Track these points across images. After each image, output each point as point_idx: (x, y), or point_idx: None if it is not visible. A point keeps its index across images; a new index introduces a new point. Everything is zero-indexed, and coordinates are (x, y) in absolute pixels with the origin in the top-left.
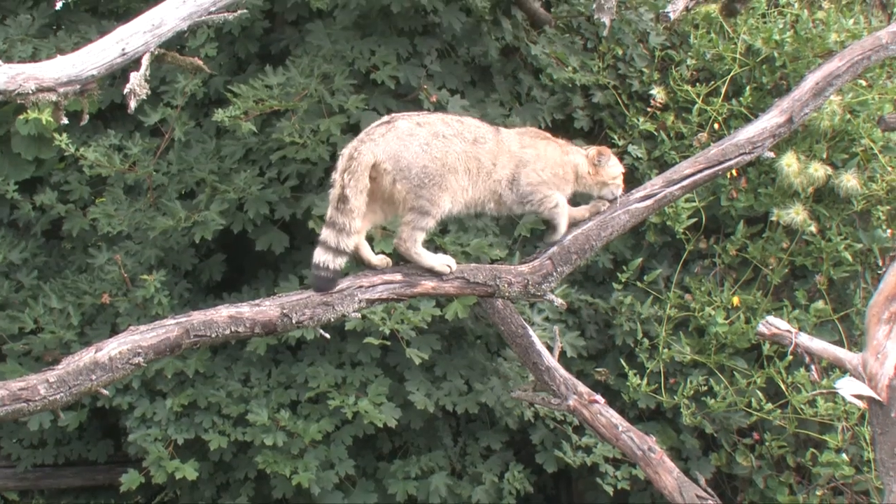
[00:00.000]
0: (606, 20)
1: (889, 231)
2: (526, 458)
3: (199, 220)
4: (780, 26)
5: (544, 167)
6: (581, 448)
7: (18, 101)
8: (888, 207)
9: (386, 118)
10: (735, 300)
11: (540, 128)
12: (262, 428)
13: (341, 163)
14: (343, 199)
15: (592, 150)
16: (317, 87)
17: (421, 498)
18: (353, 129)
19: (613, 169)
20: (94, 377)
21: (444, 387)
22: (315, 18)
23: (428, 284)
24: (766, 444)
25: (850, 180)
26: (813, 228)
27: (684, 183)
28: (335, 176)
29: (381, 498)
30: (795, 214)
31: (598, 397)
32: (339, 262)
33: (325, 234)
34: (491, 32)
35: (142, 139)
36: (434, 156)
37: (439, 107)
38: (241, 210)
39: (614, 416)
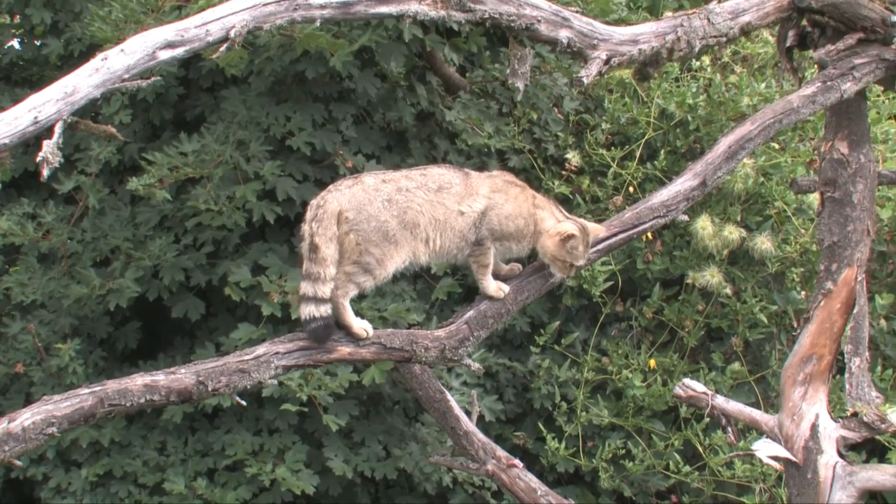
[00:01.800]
0: (521, 85)
1: (803, 293)
2: None
3: (113, 288)
4: (694, 90)
5: (507, 216)
6: None
7: None
8: (802, 269)
9: (353, 175)
10: (652, 363)
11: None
12: (178, 497)
13: (309, 213)
14: (314, 247)
15: (566, 226)
16: (232, 154)
17: None
18: (268, 196)
19: (574, 254)
20: (6, 448)
21: (362, 452)
22: (230, 85)
23: (344, 350)
24: None
25: (764, 243)
26: (728, 291)
27: (600, 247)
28: (304, 227)
29: None
30: (711, 277)
31: (517, 462)
32: (325, 309)
33: (304, 287)
34: (406, 98)
35: (56, 207)
36: (393, 214)
37: (354, 172)
38: (156, 277)
39: (533, 481)
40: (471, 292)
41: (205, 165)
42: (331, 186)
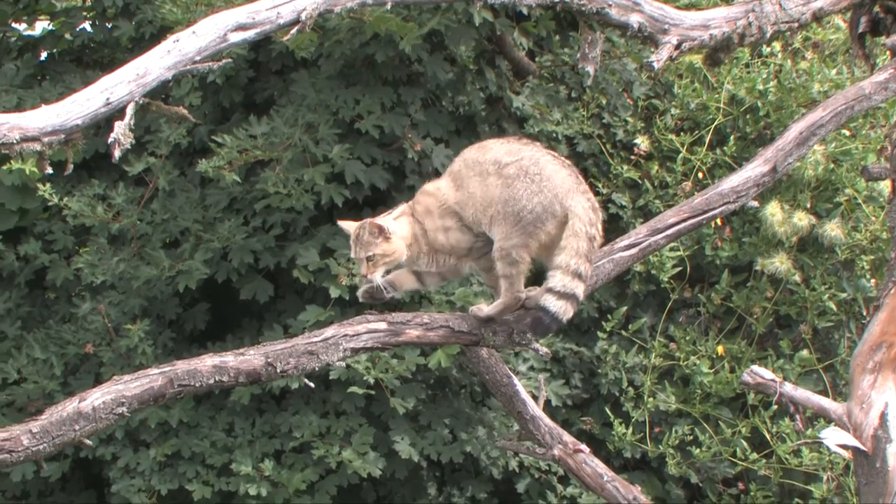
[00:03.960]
0: (590, 70)
1: (873, 281)
2: None
3: (183, 270)
4: (764, 76)
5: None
6: (566, 498)
7: (2, 152)
8: (872, 257)
9: None
10: (720, 349)
11: None
12: (245, 478)
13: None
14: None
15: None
16: (301, 137)
17: None
18: (337, 179)
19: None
20: (77, 427)
21: (428, 436)
22: (300, 68)
23: (412, 333)
24: (752, 493)
25: (833, 230)
26: (797, 278)
27: (669, 232)
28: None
29: None
30: (780, 264)
31: (583, 447)
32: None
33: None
34: (475, 82)
35: (126, 189)
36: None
37: (423, 156)
38: (225, 259)
39: (599, 466)
40: (538, 277)
41: (274, 148)
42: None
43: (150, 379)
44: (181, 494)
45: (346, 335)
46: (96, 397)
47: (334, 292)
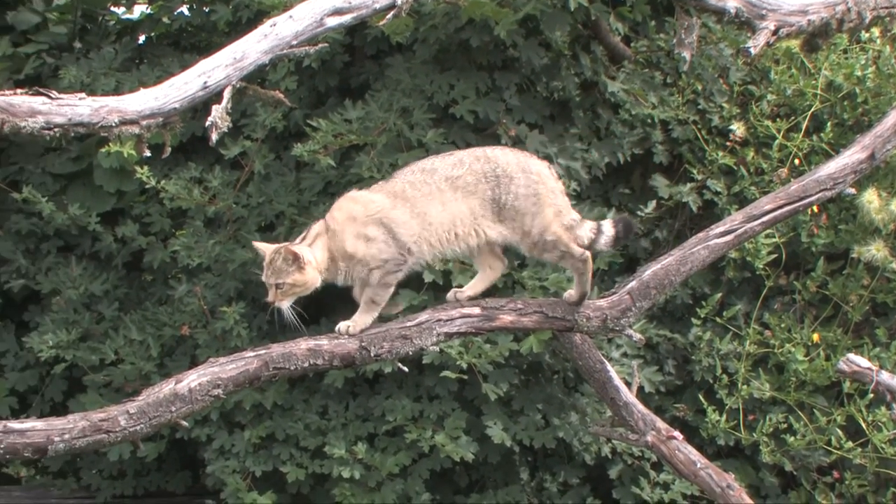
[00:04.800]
0: (687, 55)
1: None
2: (603, 494)
3: None
4: (862, 62)
5: None
6: (659, 484)
7: (102, 134)
8: None
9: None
10: (815, 337)
11: (618, 164)
12: (339, 460)
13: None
14: None
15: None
16: (395, 122)
17: None
18: None
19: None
20: (173, 408)
21: (521, 421)
22: (395, 52)
23: (506, 318)
24: (847, 482)
25: None
26: (894, 265)
27: (764, 219)
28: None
29: None
30: (876, 251)
31: (677, 433)
32: None
33: None
34: (570, 67)
35: (222, 172)
36: None
37: (518, 141)
38: None
39: (693, 453)
40: (632, 263)
41: (368, 132)
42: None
43: (246, 361)
44: (275, 476)
45: (439, 320)
46: (192, 379)
47: (427, 277)
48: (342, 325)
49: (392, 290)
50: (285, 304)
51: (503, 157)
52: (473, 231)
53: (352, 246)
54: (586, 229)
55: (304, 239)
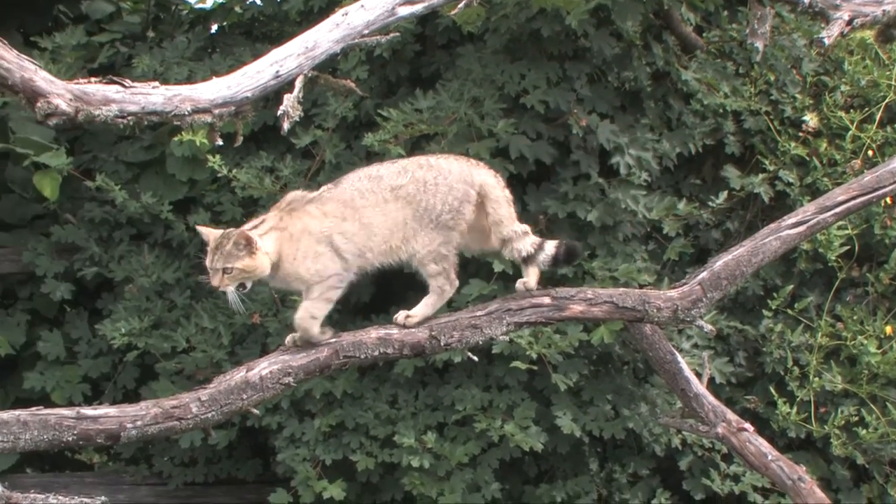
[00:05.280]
0: (760, 45)
1: None
2: (672, 486)
3: None
4: None
5: None
6: (729, 476)
7: (174, 123)
8: None
9: None
10: (888, 329)
11: (690, 154)
12: (408, 449)
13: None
14: None
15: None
16: (466, 111)
17: None
18: (501, 153)
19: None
20: (244, 396)
21: (590, 412)
22: (466, 42)
23: (576, 308)
24: None
25: None
26: None
27: (837, 210)
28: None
29: None
30: None
31: (747, 425)
32: None
33: None
34: (641, 57)
35: (293, 161)
36: None
37: (588, 131)
38: None
39: (763, 445)
40: (703, 253)
41: (439, 122)
42: None
43: (317, 350)
44: (344, 465)
45: (509, 309)
46: (263, 367)
47: (497, 267)
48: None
49: (331, 307)
50: (230, 289)
51: (446, 165)
52: (405, 243)
53: (301, 261)
54: (527, 243)
55: (255, 228)
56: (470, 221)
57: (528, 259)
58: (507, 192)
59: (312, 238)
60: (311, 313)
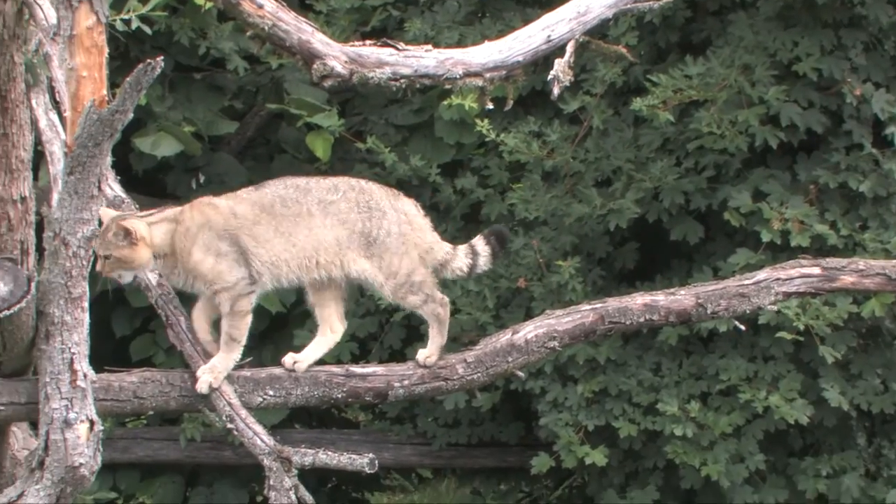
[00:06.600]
0: None
1: None
2: None
3: (614, 208)
4: None
5: None
6: None
7: (446, 86)
8: None
9: None
10: None
11: None
12: (671, 418)
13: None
14: None
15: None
16: (737, 78)
17: (832, 497)
18: (772, 121)
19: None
20: (510, 359)
21: (859, 385)
22: (738, 9)
23: (847, 279)
24: None
25: None
26: None
27: None
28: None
29: (791, 495)
30: None
31: None
32: None
33: None
34: None
35: (560, 126)
36: None
37: (862, 101)
38: (656, 199)
39: None
40: None
41: (709, 89)
42: None
43: (582, 315)
44: (607, 431)
45: (778, 279)
46: (529, 330)
47: (766, 236)
48: (200, 378)
49: (249, 318)
50: (114, 276)
51: (378, 191)
52: (338, 261)
53: (199, 256)
54: (462, 257)
55: (146, 217)
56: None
57: (472, 270)
58: (427, 220)
59: (213, 234)
60: (228, 333)
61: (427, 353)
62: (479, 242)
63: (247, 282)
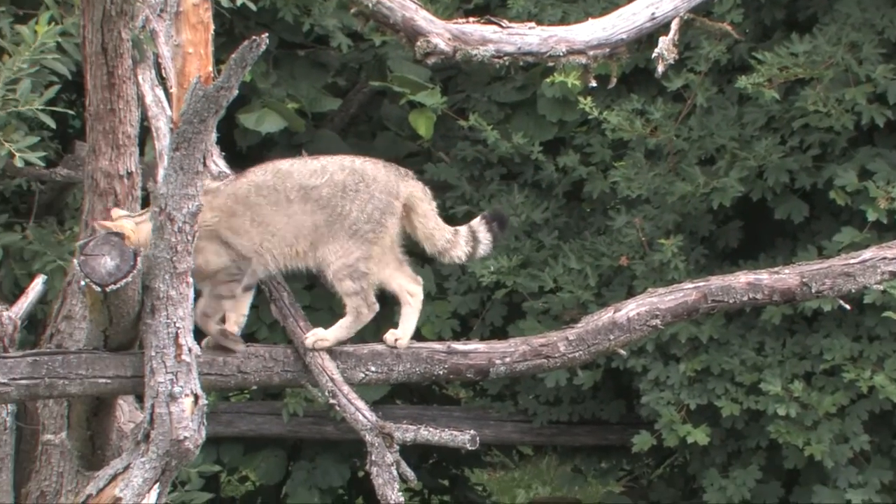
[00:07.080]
0: None
1: None
2: None
3: (717, 187)
4: None
5: None
6: None
7: (549, 64)
8: None
9: None
10: None
11: None
12: (774, 398)
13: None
14: None
15: None
16: (843, 56)
17: None
18: (879, 99)
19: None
20: (612, 337)
21: None
22: None
23: None
24: None
25: None
26: None
27: None
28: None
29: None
30: None
31: None
32: None
33: None
34: None
35: (664, 104)
36: None
37: None
38: (760, 178)
39: None
40: None
41: (815, 67)
42: None
43: (685, 293)
44: (709, 410)
45: (884, 258)
46: (631, 308)
47: (871, 215)
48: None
49: (227, 303)
50: None
51: (372, 171)
52: (312, 249)
53: None
54: (462, 245)
55: (139, 215)
56: (394, 237)
57: (470, 257)
58: (434, 205)
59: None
60: (202, 310)
61: (321, 337)
62: (480, 228)
63: (228, 271)
